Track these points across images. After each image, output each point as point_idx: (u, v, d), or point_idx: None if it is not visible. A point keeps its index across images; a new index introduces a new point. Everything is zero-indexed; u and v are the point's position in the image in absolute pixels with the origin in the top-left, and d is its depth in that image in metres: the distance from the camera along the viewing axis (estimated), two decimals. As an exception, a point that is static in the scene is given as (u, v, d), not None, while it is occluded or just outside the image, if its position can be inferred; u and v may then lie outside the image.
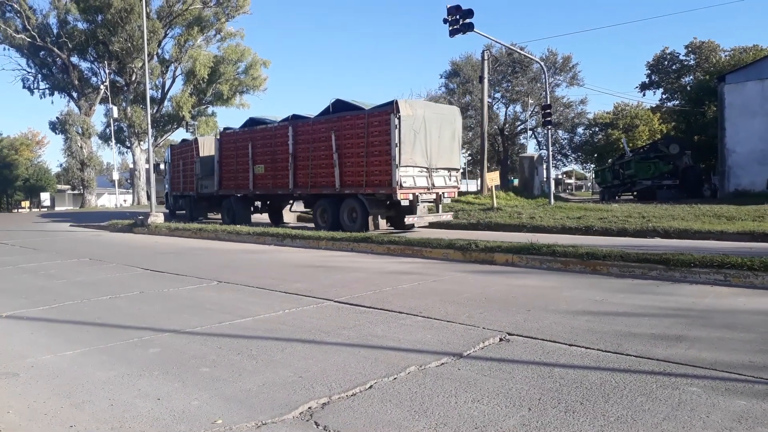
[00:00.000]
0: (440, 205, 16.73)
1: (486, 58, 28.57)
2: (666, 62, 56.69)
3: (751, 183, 27.62)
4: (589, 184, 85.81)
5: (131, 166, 53.05)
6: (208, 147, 23.96)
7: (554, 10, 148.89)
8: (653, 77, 57.50)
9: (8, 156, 51.49)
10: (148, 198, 30.87)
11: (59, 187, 59.66)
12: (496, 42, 26.96)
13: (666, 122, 57.28)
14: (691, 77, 54.09)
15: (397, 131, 14.86)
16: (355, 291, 7.31)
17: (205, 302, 6.88)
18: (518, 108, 54.94)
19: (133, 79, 48.33)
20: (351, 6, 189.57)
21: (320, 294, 7.14)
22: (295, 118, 18.48)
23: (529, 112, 52.06)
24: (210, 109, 53.85)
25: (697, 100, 45.33)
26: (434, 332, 5.17)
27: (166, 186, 29.44)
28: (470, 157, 61.82)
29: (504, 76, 51.89)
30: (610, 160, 44.57)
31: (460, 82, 50.86)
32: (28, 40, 45.47)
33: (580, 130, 58.42)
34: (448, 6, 19.57)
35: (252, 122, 21.05)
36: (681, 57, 55.81)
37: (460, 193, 21.86)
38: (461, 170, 17.77)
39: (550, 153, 26.53)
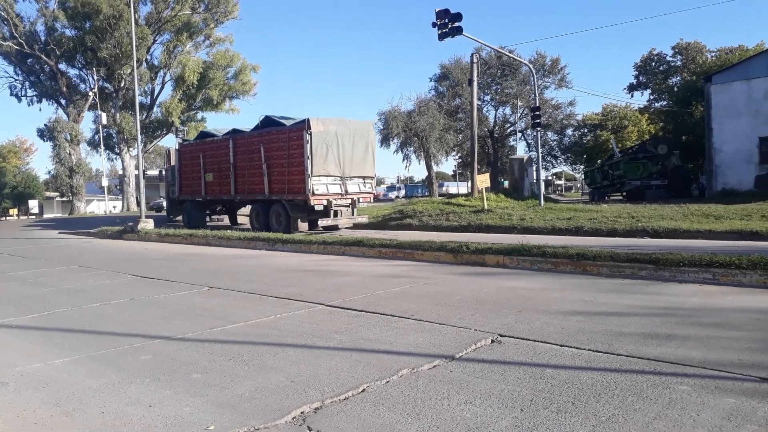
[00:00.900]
0: (355, 209, 18.79)
1: (475, 61, 28.65)
2: (653, 63, 57.15)
3: (738, 182, 27.86)
4: (579, 185, 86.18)
5: (120, 172, 52.66)
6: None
7: (542, 14, 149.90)
8: (641, 78, 57.93)
9: (-5, 164, 51.10)
10: (138, 204, 30.70)
11: (48, 194, 59.14)
12: (485, 45, 27.12)
13: (654, 123, 57.66)
14: (678, 78, 54.55)
15: (308, 145, 16.89)
16: (347, 295, 7.31)
17: (196, 308, 6.85)
18: (508, 110, 55.08)
19: (122, 85, 48.01)
20: (340, 11, 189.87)
21: (312, 298, 7.13)
22: (234, 132, 20.69)
23: (519, 115, 52.21)
24: (200, 115, 53.61)
25: (684, 100, 45.71)
26: (426, 335, 5.18)
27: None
28: (460, 160, 61.94)
29: (493, 78, 52.06)
30: (599, 161, 44.78)
31: (450, 86, 50.95)
32: (16, 47, 45.08)
33: (569, 131, 58.64)
34: (437, 10, 19.62)
35: (203, 135, 23.58)
36: (668, 58, 56.29)
37: (451, 196, 22.58)
38: (375, 177, 20.02)
39: (540, 155, 26.66)
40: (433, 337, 5.10)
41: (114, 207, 52.03)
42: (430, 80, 54.63)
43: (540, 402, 3.47)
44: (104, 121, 45.79)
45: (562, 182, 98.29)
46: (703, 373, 3.91)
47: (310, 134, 16.93)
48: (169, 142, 57.83)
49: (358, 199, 18.66)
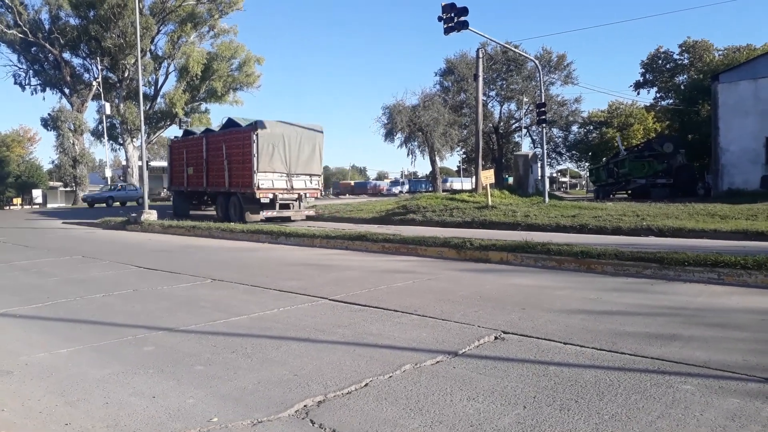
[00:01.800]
0: (301, 203, 21.19)
1: (481, 56, 28.54)
2: (660, 61, 56.93)
3: (744, 182, 27.77)
4: (584, 182, 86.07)
5: (124, 163, 52.68)
6: None
7: (549, 9, 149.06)
8: (647, 76, 57.72)
9: None
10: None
11: (51, 183, 59.15)
12: (491, 40, 27.00)
13: (660, 121, 57.50)
14: (685, 76, 54.35)
15: (255, 145, 19.20)
16: (350, 289, 7.31)
17: (199, 300, 6.86)
18: (513, 106, 54.86)
19: (126, 75, 48.01)
20: (345, 3, 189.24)
21: (315, 292, 7.13)
22: (207, 132, 23.56)
23: (524, 111, 52.02)
24: (203, 106, 53.60)
25: (690, 99, 45.55)
26: (429, 330, 5.17)
27: None
28: (465, 155, 61.79)
29: (499, 74, 51.84)
30: (604, 159, 44.72)
31: (455, 80, 50.77)
32: (20, 35, 45.06)
33: (574, 128, 58.46)
34: (443, 4, 19.54)
35: (187, 133, 26.45)
36: (675, 56, 56.08)
37: (454, 191, 23.01)
38: (321, 175, 22.22)
39: (545, 151, 26.57)
40: (436, 333, 5.10)
41: (117, 198, 51.98)
42: (435, 75, 54.46)
43: (543, 399, 3.46)
44: (108, 112, 45.80)
45: (566, 179, 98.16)
46: (707, 373, 3.89)
47: (257, 135, 19.27)
48: (173, 133, 57.80)
49: (305, 194, 21.11)
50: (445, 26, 19.71)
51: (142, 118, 23.87)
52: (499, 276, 8.44)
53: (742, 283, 7.31)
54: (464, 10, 19.34)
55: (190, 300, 6.90)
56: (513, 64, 50.05)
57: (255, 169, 19.22)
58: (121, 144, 50.78)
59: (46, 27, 46.67)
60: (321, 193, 22.59)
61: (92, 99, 49.28)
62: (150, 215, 20.34)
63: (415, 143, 46.98)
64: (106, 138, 48.28)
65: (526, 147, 53.43)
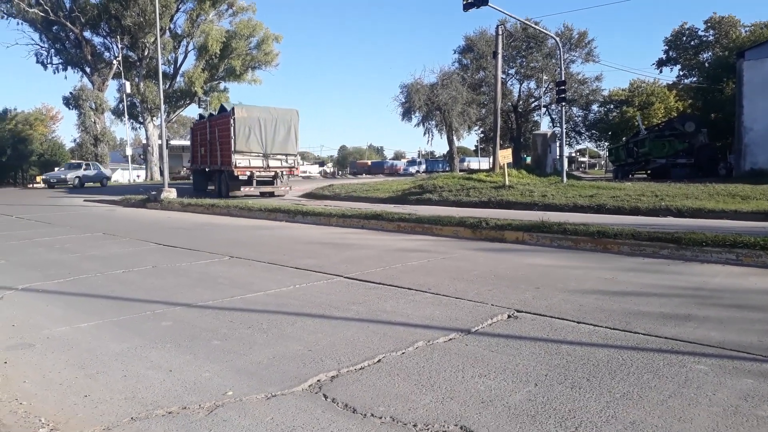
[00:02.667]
0: (278, 180, 22.86)
1: (500, 33, 28.13)
2: (684, 38, 55.61)
3: (767, 161, 27.22)
4: (603, 162, 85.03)
5: (144, 141, 53.07)
6: None
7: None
8: (671, 53, 56.46)
9: (23, 131, 51.70)
10: (161, 174, 31.23)
11: (73, 162, 60.01)
12: (511, 16, 26.59)
13: (682, 100, 56.39)
14: (710, 53, 53.08)
15: (232, 128, 21.48)
16: (365, 267, 7.36)
17: (216, 277, 6.96)
18: (532, 84, 54.19)
19: (146, 54, 48.16)
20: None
21: (330, 270, 7.19)
22: (210, 116, 25.59)
23: (543, 89, 51.36)
24: (222, 85, 53.66)
25: (715, 76, 44.56)
26: (443, 308, 5.21)
27: None
28: (483, 135, 61.27)
29: (518, 51, 51.15)
30: (624, 138, 44.05)
31: (474, 58, 50.18)
32: (41, 14, 45.32)
33: (594, 107, 57.62)
34: (462, -21, 19.27)
35: (201, 117, 29.09)
36: (700, 32, 54.71)
37: (472, 171, 23.07)
38: (297, 155, 24.01)
39: (564, 130, 26.25)
40: (449, 310, 5.13)
41: (138, 176, 52.61)
42: (454, 52, 53.75)
43: (554, 377, 3.48)
44: (128, 90, 46.10)
45: (585, 159, 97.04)
46: (721, 353, 3.88)
47: (234, 119, 21.49)
48: (192, 111, 58.03)
49: (282, 172, 22.90)
50: (465, 2, 19.47)
51: (162, 97, 24.15)
52: (514, 255, 8.43)
53: (761, 264, 7.22)
54: (483, -14, 19.05)
55: (208, 276, 7.01)
56: (533, 41, 49.35)
57: (233, 149, 21.56)
58: (141, 123, 51.15)
59: (67, 5, 46.87)
60: (296, 172, 24.44)
61: (113, 78, 49.60)
62: (169, 193, 20.57)
63: (433, 122, 46.70)
64: (126, 116, 48.68)
65: (545, 126, 52.82)
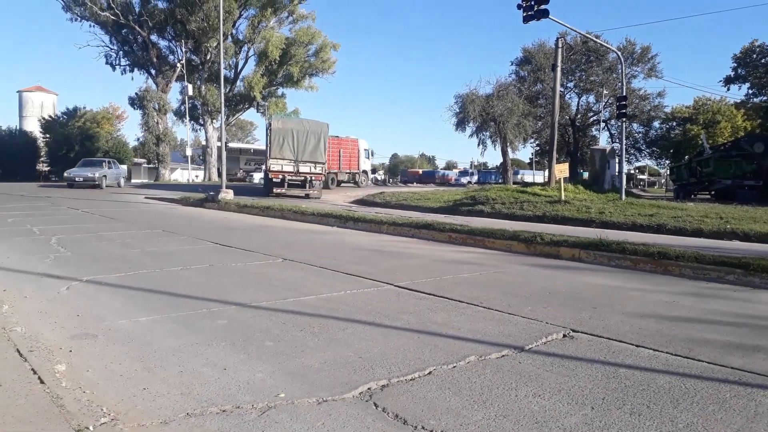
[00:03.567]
0: (307, 184, 25.72)
1: (560, 45, 27.68)
2: (755, 55, 53.33)
3: (843, 187, 25.70)
4: (663, 180, 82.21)
5: (204, 143, 54.58)
6: None
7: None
8: (740, 71, 54.25)
9: (91, 128, 53.82)
10: (219, 175, 32.04)
11: (135, 160, 62.19)
12: (571, 29, 26.10)
13: (751, 119, 54.07)
14: (782, 72, 50.72)
15: (268, 138, 25.50)
16: (415, 277, 7.32)
17: (270, 278, 7.07)
18: (591, 98, 53.11)
19: (208, 58, 49.63)
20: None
21: (380, 277, 7.18)
22: (268, 126, 27.59)
23: (603, 103, 50.20)
24: (280, 91, 54.64)
25: (787, 96, 42.48)
26: (495, 323, 5.12)
27: None
28: (538, 147, 60.37)
29: (578, 65, 50.21)
30: (687, 157, 42.48)
31: (532, 70, 49.58)
32: (112, 18, 47.37)
33: (656, 123, 55.97)
34: (524, -9, 19.06)
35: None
36: (772, 49, 52.33)
37: (526, 184, 22.91)
38: (325, 163, 26.91)
39: (624, 146, 25.55)
40: (502, 326, 5.03)
41: (196, 176, 54.19)
42: (511, 64, 53.29)
43: (612, 402, 3.36)
44: (190, 93, 47.54)
45: (645, 177, 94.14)
46: (793, 388, 3.66)
47: (270, 130, 25.35)
48: (251, 116, 59.47)
49: (310, 177, 25.77)
50: (525, 14, 19.23)
51: (222, 101, 25.03)
52: (569, 273, 8.23)
53: (838, 295, 6.80)
54: (545, -2, 18.79)
55: (262, 277, 7.12)
56: (593, 55, 48.35)
57: (268, 155, 25.38)
58: (201, 125, 52.66)
59: (136, 10, 48.84)
60: (323, 178, 27.64)
61: (176, 80, 51.28)
62: (227, 194, 21.09)
63: (487, 133, 46.31)
64: (187, 118, 50.20)
65: (603, 141, 51.57)
